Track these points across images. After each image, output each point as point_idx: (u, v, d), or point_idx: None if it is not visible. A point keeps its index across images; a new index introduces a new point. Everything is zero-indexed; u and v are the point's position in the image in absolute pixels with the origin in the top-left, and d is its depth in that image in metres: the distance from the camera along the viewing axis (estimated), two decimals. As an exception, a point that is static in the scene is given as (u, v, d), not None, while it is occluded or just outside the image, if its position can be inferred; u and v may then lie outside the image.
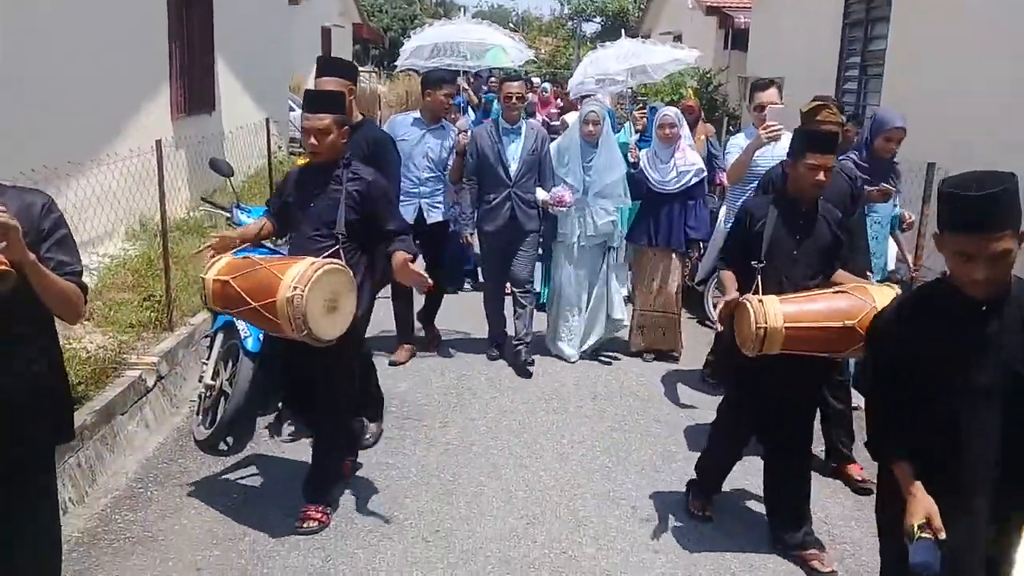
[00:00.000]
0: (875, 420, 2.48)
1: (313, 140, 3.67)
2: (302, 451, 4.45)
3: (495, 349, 6.17)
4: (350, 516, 3.97)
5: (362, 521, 3.93)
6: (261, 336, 4.63)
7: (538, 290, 6.82)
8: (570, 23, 40.12)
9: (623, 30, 8.50)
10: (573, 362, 6.10)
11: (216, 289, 3.64)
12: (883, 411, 2.45)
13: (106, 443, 4.37)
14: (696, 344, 6.37)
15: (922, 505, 2.25)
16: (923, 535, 2.17)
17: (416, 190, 5.83)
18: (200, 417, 4.68)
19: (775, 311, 3.29)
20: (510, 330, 6.10)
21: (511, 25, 60.98)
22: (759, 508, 4.08)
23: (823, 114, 4.25)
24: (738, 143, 5.28)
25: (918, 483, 2.29)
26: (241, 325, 4.53)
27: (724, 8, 18.72)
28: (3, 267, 2.05)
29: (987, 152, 6.00)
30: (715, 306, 5.61)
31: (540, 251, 6.27)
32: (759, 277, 3.51)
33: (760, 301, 3.34)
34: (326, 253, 3.59)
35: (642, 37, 15.12)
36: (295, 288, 3.34)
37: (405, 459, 4.57)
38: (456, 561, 3.64)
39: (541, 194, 5.83)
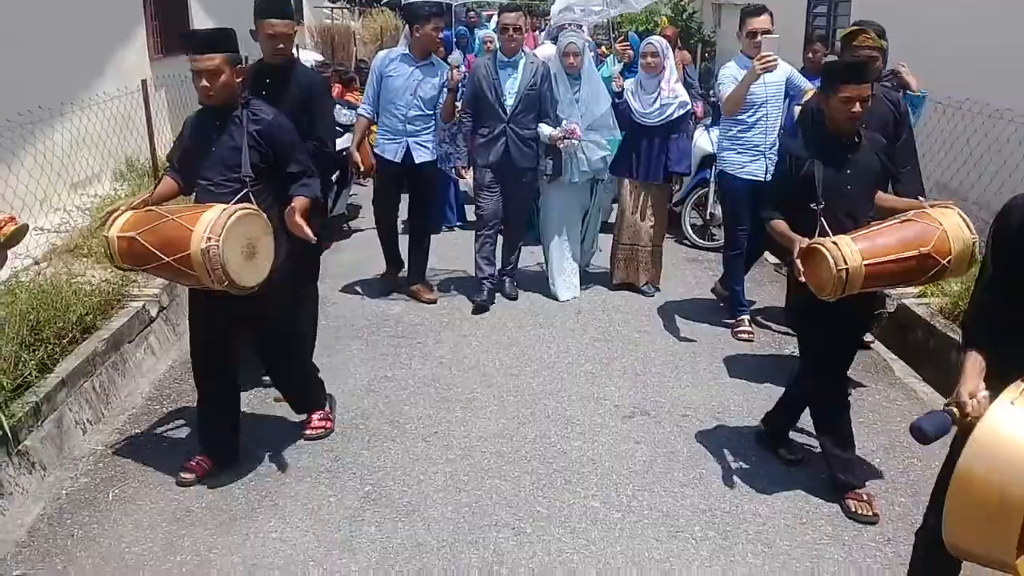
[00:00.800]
0: (977, 310, 2.42)
1: (205, 82, 3.43)
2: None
3: (485, 291, 5.86)
4: (355, 422, 4.26)
5: (365, 426, 4.23)
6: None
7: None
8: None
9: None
10: (575, 298, 6.03)
11: (122, 247, 3.39)
12: (988, 306, 2.36)
13: (117, 369, 4.62)
14: (676, 268, 6.62)
15: (968, 386, 2.23)
16: (947, 408, 2.22)
17: (402, 128, 5.61)
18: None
19: (851, 250, 3.20)
20: (498, 263, 6.02)
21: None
22: (736, 406, 4.42)
23: (860, 39, 4.17)
24: (731, 73, 5.12)
25: (978, 366, 2.28)
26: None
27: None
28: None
29: (952, 75, 6.20)
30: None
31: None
32: (821, 219, 3.43)
33: (834, 243, 3.24)
34: (235, 199, 3.41)
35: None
36: (209, 238, 3.19)
37: (402, 371, 4.86)
38: (454, 457, 3.95)
39: (547, 129, 5.63)
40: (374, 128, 5.96)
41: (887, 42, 4.32)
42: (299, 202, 3.55)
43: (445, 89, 5.59)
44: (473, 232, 6.10)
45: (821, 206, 3.42)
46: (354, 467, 3.87)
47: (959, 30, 6.97)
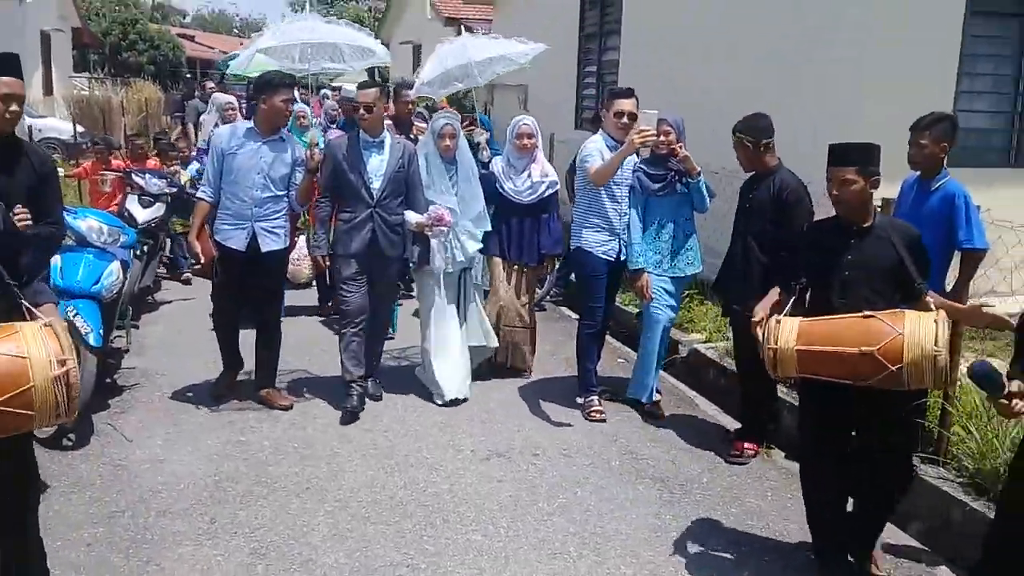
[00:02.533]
0: None
1: None
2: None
3: (355, 395, 5.25)
4: (221, 486, 4.29)
5: (234, 488, 4.27)
6: (102, 331, 4.76)
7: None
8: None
9: (463, 27, 8.01)
10: (464, 400, 5.50)
11: None
12: None
13: None
14: (550, 356, 6.47)
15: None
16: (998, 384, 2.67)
17: (248, 212, 5.01)
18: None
19: (790, 331, 3.24)
20: (360, 369, 5.33)
21: (235, 31, 59.57)
22: (579, 444, 4.90)
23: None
24: (597, 148, 5.11)
25: None
26: (80, 322, 4.61)
27: (463, 20, 19.84)
28: None
29: (714, 147, 7.21)
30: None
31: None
32: (800, 298, 3.51)
33: (778, 321, 3.32)
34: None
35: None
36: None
37: (255, 435, 4.91)
38: (332, 509, 4.07)
39: (413, 216, 5.20)
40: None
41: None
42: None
43: (299, 168, 5.12)
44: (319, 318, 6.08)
45: (798, 284, 3.55)
46: (233, 527, 3.89)
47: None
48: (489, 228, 5.60)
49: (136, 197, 6.99)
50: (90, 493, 4.15)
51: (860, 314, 3.20)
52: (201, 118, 10.27)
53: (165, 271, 8.37)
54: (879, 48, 6.66)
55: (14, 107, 3.38)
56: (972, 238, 4.16)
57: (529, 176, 5.64)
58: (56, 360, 2.55)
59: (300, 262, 7.16)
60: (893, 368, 3.07)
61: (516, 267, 5.81)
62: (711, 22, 8.50)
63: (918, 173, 4.50)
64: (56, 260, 4.91)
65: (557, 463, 4.67)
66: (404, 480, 4.40)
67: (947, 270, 4.38)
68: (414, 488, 4.32)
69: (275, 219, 5.12)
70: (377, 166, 5.13)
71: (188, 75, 32.31)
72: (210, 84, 12.53)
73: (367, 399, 5.36)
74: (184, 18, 60.16)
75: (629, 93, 5.18)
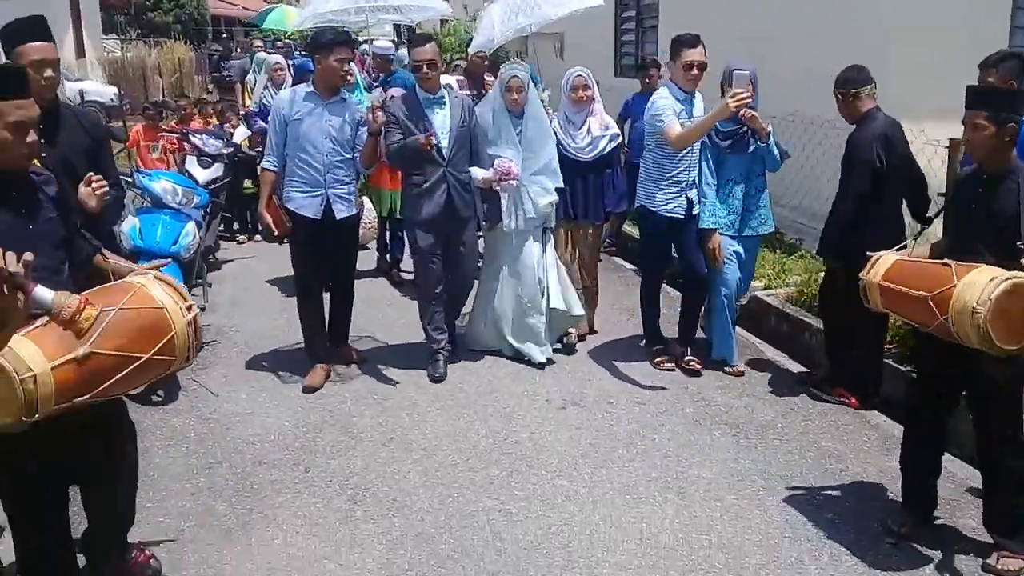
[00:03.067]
0: None
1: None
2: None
3: (441, 362, 5.19)
4: (310, 436, 4.44)
5: (322, 438, 4.42)
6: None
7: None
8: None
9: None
10: (544, 365, 5.32)
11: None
12: None
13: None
14: (611, 308, 6.40)
15: None
16: None
17: (320, 178, 4.80)
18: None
19: (882, 266, 3.31)
20: (444, 336, 5.27)
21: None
22: (651, 394, 4.99)
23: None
24: (669, 104, 4.80)
25: None
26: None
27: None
28: None
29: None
30: None
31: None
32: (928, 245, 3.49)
33: (879, 257, 3.38)
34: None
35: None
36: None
37: (337, 386, 5.04)
38: (420, 457, 4.21)
39: (479, 172, 5.01)
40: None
41: None
42: None
43: (361, 129, 4.89)
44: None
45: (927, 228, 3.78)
46: (327, 475, 4.04)
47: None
48: (561, 184, 5.26)
49: (195, 158, 7.08)
50: (186, 446, 4.31)
51: (941, 261, 3.15)
52: (247, 78, 10.21)
53: (224, 229, 8.48)
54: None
55: (48, 72, 3.34)
56: None
57: (588, 131, 5.37)
58: (184, 306, 2.64)
59: (368, 225, 7.19)
60: (941, 318, 3.01)
61: (580, 225, 5.60)
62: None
63: None
64: (135, 222, 5.07)
65: (631, 411, 4.76)
66: (485, 429, 4.52)
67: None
68: (496, 437, 4.43)
69: (346, 184, 4.92)
70: (442, 124, 4.92)
71: (224, 35, 32.12)
72: (258, 42, 12.37)
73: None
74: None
75: (696, 41, 4.84)
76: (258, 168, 5.47)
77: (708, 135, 4.88)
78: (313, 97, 4.82)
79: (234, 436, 4.42)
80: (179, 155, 7.33)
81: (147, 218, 4.98)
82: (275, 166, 4.88)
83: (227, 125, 8.53)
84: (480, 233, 5.40)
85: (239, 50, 15.54)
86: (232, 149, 7.37)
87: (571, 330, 5.61)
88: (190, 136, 7.22)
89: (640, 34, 11.71)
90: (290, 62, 8.91)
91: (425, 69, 4.88)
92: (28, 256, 1.86)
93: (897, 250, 3.47)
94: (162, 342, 2.55)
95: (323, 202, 4.84)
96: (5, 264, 1.77)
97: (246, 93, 9.50)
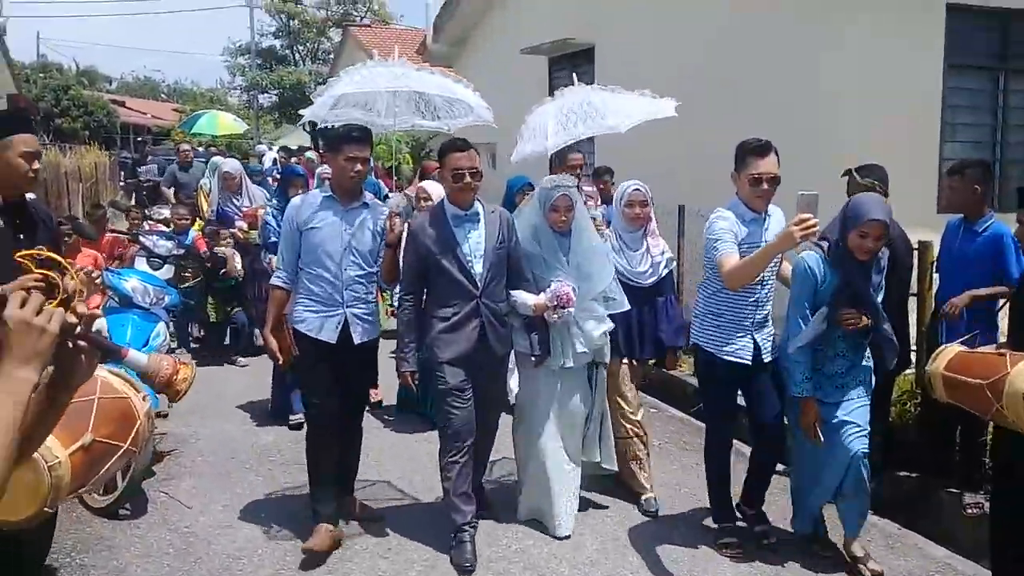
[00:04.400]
0: None
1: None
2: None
3: (468, 543, 4.06)
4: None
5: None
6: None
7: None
8: (244, 95, 39.82)
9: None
10: (565, 538, 4.29)
11: None
12: None
13: None
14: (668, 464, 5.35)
15: None
16: None
17: (339, 296, 4.13)
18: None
19: (944, 358, 3.36)
20: (472, 506, 4.17)
21: (163, 96, 59.00)
22: None
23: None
24: (728, 226, 3.89)
25: None
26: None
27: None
28: None
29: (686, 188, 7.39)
30: None
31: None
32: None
33: (943, 349, 3.45)
34: None
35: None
36: None
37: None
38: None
39: (529, 298, 4.19)
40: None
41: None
42: None
43: (381, 241, 4.23)
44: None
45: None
46: None
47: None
48: (626, 306, 4.46)
49: (144, 259, 6.82)
50: (168, 563, 3.96)
51: (998, 351, 3.25)
52: (202, 182, 9.84)
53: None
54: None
55: (37, 164, 3.35)
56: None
57: (647, 252, 4.68)
58: (140, 396, 2.59)
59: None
60: (996, 404, 3.01)
61: (628, 364, 4.70)
62: (676, 76, 8.67)
63: (961, 216, 4.73)
64: (102, 323, 4.78)
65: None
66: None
67: (998, 311, 4.60)
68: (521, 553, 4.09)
69: (367, 302, 4.24)
70: (476, 245, 4.09)
71: (138, 140, 31.76)
72: (185, 146, 12.16)
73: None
74: (110, 84, 59.28)
75: (766, 148, 3.90)
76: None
77: (806, 267, 3.84)
78: (331, 202, 4.17)
79: (217, 551, 4.08)
80: (128, 256, 7.03)
81: (116, 318, 4.69)
82: (287, 283, 4.23)
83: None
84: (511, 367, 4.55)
85: (149, 157, 15.46)
86: (183, 251, 7.14)
87: (646, 492, 4.70)
88: (140, 236, 6.98)
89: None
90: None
91: (468, 179, 4.03)
92: (97, 311, 1.71)
93: (961, 343, 3.50)
94: (133, 432, 2.51)
95: (340, 323, 4.13)
96: (76, 320, 1.53)
97: (203, 198, 9.18)
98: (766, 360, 4.05)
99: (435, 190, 5.33)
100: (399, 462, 5.29)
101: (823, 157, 6.29)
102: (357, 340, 4.15)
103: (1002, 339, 3.80)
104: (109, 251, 7.09)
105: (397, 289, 4.86)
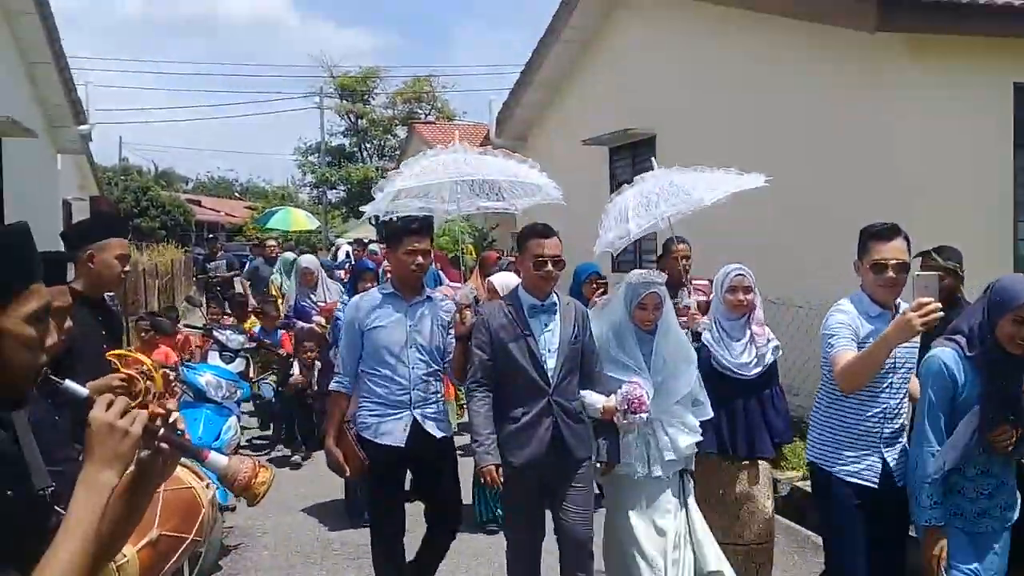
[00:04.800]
0: None
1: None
2: None
3: None
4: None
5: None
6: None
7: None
8: (314, 191, 41.17)
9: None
10: None
11: None
12: None
13: None
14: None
15: None
16: None
17: (406, 397, 3.92)
18: None
19: None
20: None
21: (236, 195, 61.53)
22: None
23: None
24: (847, 320, 3.36)
25: None
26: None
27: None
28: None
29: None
30: None
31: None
32: None
33: None
34: None
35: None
36: None
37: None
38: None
39: (598, 399, 3.84)
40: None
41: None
42: None
43: (450, 335, 4.07)
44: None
45: None
46: None
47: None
48: (710, 414, 4.06)
49: (217, 353, 6.98)
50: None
51: None
52: (272, 277, 10.07)
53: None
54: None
55: (127, 267, 3.58)
56: None
57: (752, 342, 4.20)
58: (203, 484, 2.73)
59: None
60: None
61: (743, 463, 4.21)
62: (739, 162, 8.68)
63: None
64: (178, 417, 4.86)
65: None
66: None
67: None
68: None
69: (435, 402, 4.02)
70: (550, 338, 3.80)
71: (210, 236, 33.01)
72: (271, 241, 12.21)
73: None
74: (187, 184, 62.04)
75: (893, 232, 3.40)
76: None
77: (943, 366, 3.14)
78: (393, 299, 4.00)
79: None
80: (201, 351, 7.21)
81: (189, 412, 4.79)
82: (348, 388, 4.01)
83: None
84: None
85: (219, 253, 16.15)
86: (254, 345, 7.29)
87: None
88: (213, 331, 7.15)
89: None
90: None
91: (549, 267, 3.78)
92: (175, 413, 1.73)
93: None
94: (198, 522, 2.64)
95: (407, 424, 3.91)
96: (158, 421, 1.55)
97: (273, 293, 9.34)
98: (898, 484, 3.38)
99: (503, 282, 5.00)
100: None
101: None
102: (431, 434, 3.94)
103: None
104: (182, 347, 7.29)
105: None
